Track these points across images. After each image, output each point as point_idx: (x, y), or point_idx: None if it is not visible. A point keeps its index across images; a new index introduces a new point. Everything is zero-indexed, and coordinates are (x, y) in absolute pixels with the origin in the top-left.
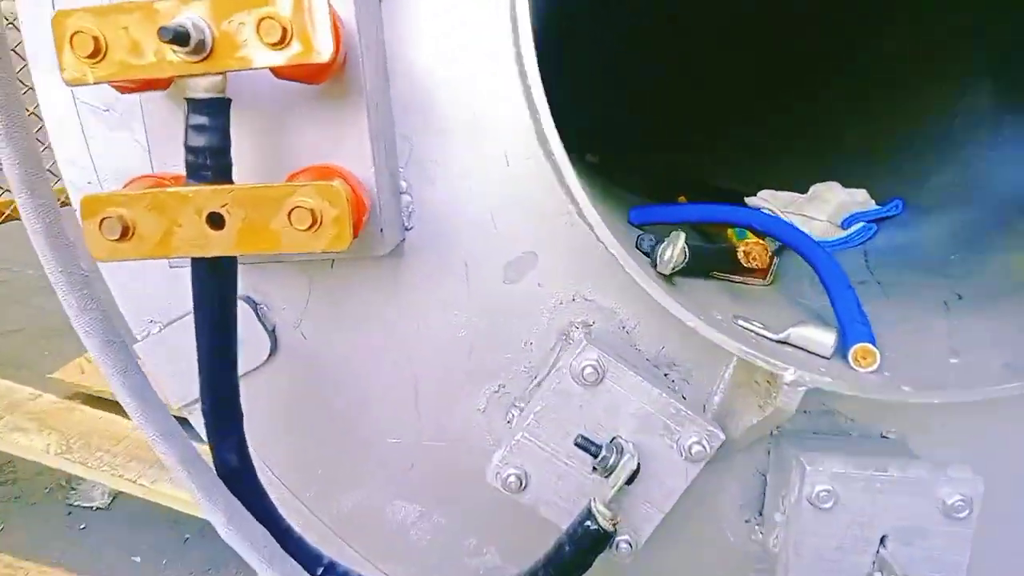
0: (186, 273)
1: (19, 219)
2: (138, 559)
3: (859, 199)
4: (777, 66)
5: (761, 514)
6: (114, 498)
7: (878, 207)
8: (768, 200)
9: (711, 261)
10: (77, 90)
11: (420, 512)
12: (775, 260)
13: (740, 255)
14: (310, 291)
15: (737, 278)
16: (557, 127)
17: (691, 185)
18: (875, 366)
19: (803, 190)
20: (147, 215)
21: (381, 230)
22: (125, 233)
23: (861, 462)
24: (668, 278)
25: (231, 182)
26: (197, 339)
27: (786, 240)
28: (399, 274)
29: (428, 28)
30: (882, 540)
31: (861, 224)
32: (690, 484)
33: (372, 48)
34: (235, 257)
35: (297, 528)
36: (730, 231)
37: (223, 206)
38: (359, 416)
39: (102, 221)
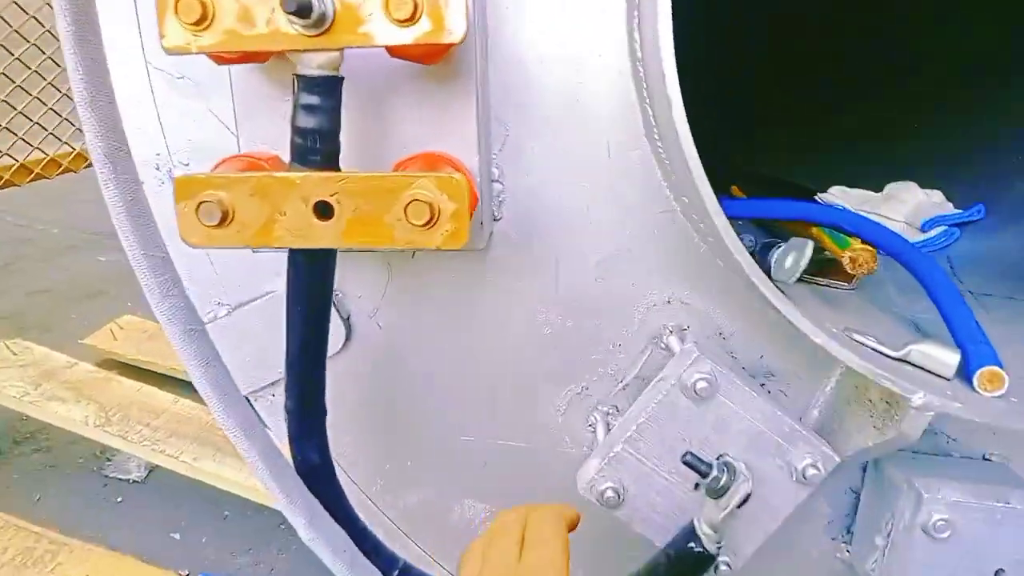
0: (260, 254)
1: (18, 184)
2: (177, 536)
3: (936, 200)
4: (851, 56)
5: (850, 531)
6: (151, 471)
7: (959, 211)
8: (839, 197)
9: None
10: (152, 54)
11: (490, 512)
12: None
13: (846, 262)
14: (389, 280)
15: (822, 280)
16: None
17: (746, 177)
18: (1003, 390)
19: (873, 189)
20: (249, 201)
21: (481, 223)
22: (224, 219)
23: (979, 491)
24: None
25: (338, 168)
26: (288, 333)
27: (885, 246)
28: (485, 266)
29: (532, 2)
30: (997, 574)
31: (943, 228)
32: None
33: (479, 27)
34: (335, 249)
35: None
36: (815, 229)
37: (333, 195)
38: (432, 411)
39: (199, 205)
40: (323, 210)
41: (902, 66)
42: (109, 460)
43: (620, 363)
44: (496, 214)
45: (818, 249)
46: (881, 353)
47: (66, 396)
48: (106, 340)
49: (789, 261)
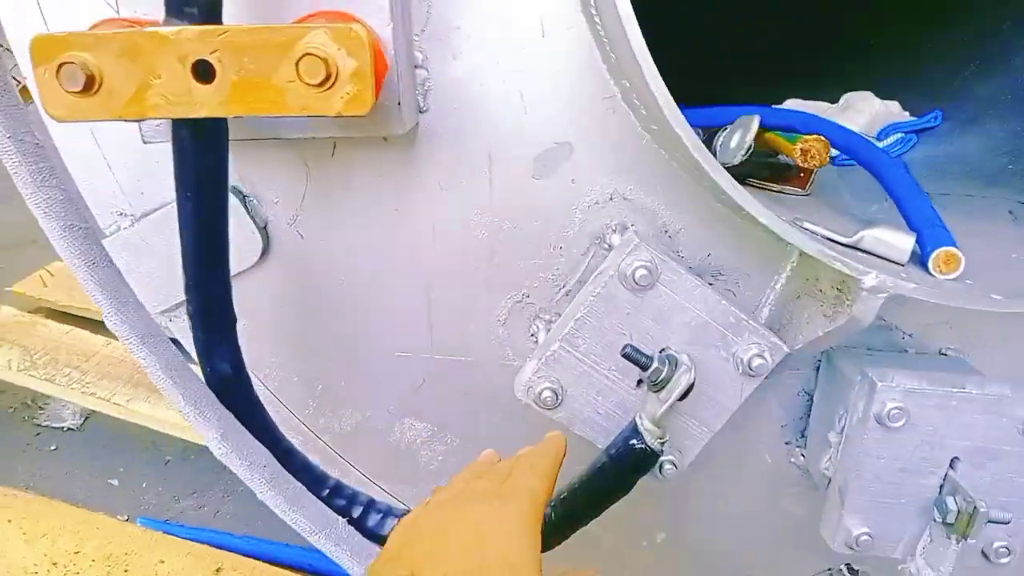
0: (162, 154)
1: None
2: (115, 482)
3: (894, 111)
4: None
5: (803, 435)
6: (86, 419)
7: (914, 119)
8: (796, 110)
9: (750, 161)
10: None
11: (431, 431)
12: (816, 169)
13: (798, 154)
14: (308, 182)
15: (775, 186)
16: None
17: (723, 99)
18: (958, 272)
19: (830, 102)
20: (117, 63)
21: (399, 104)
22: (90, 85)
23: (935, 378)
24: None
25: (220, 23)
26: (181, 228)
27: (837, 141)
28: (411, 164)
29: None
30: (951, 463)
31: (899, 135)
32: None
33: None
34: (226, 122)
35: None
36: (769, 135)
37: (213, 52)
38: (363, 326)
39: (60, 67)
40: (203, 71)
41: None
42: (41, 409)
43: (561, 267)
44: (422, 105)
45: (772, 155)
46: (832, 241)
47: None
48: (36, 287)
49: (735, 140)
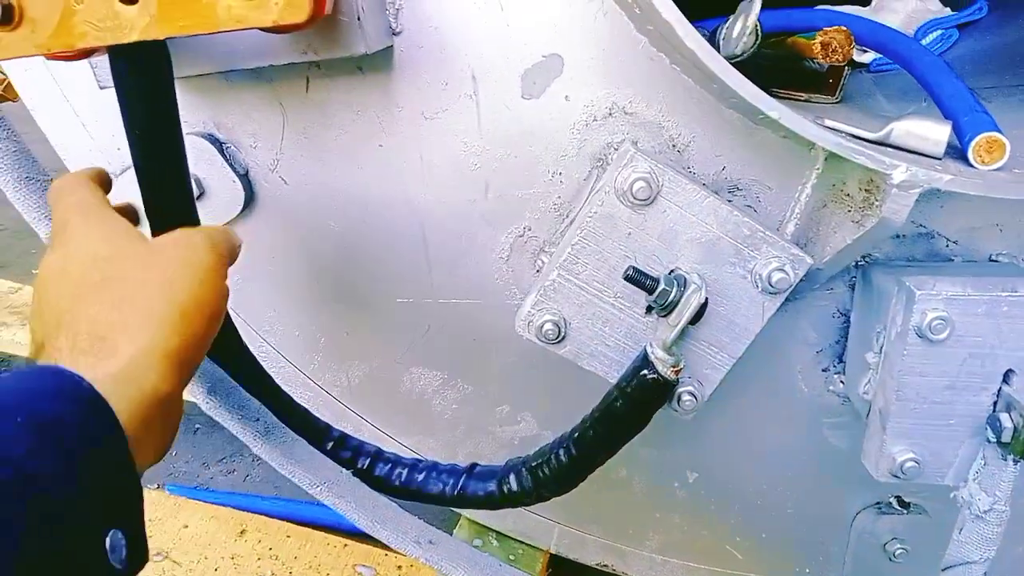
0: None
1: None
2: None
3: (932, 8)
4: None
5: (842, 360)
6: None
7: (955, 13)
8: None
9: (772, 71)
10: None
11: (442, 379)
12: (846, 72)
13: (817, 48)
14: (284, 123)
15: (802, 95)
16: None
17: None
18: (1004, 160)
19: (863, 3)
20: None
21: (359, 18)
22: (9, 16)
23: (980, 283)
24: None
25: None
26: (138, 175)
27: (862, 35)
28: (390, 93)
29: None
30: (1006, 376)
31: (939, 32)
32: (767, 322)
33: None
34: (165, 50)
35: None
36: (792, 39)
37: None
38: (360, 273)
39: None
40: None
41: None
42: None
43: (563, 194)
44: (394, 26)
45: (797, 60)
46: (859, 137)
47: (11, 321)
48: None
49: (736, 28)
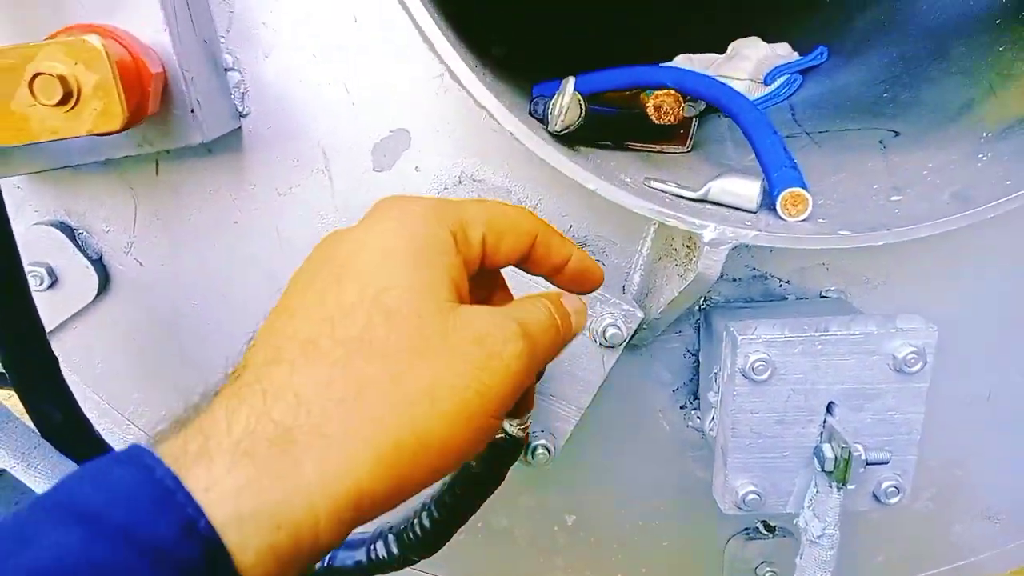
0: None
1: None
2: None
3: (782, 53)
4: None
5: (697, 397)
6: None
7: (800, 58)
8: (684, 64)
9: (622, 127)
10: None
11: None
12: (694, 123)
13: (651, 111)
14: (136, 206)
15: (655, 147)
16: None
17: (614, 64)
18: (807, 212)
19: (723, 51)
20: None
21: (192, 111)
22: None
23: (798, 324)
24: (570, 145)
25: None
26: None
27: (698, 91)
28: (242, 171)
29: None
30: (829, 408)
31: (784, 77)
32: (609, 374)
33: None
34: None
35: None
36: (641, 95)
37: None
38: (224, 348)
39: None
40: None
41: None
42: None
43: None
44: (241, 109)
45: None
46: (680, 196)
47: None
48: None
49: (558, 106)
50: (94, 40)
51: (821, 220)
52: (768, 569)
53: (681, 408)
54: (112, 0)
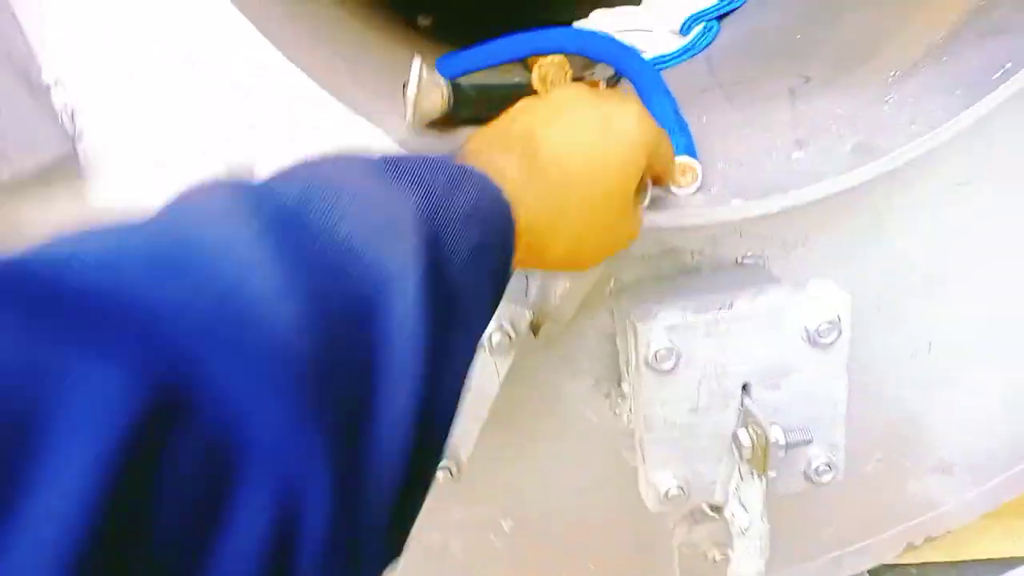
0: None
1: None
2: None
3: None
4: None
5: (620, 384)
6: None
7: (718, 2)
8: (601, 20)
9: (508, 102)
10: None
11: None
12: (602, 86)
13: (535, 82)
14: None
15: None
16: None
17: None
18: (696, 183)
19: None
20: None
21: None
22: None
23: (701, 304)
24: (453, 127)
25: None
26: None
27: (594, 52)
28: (84, 193)
29: None
30: (745, 388)
31: (701, 26)
32: (504, 380)
33: None
34: None
35: None
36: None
37: None
38: None
39: None
40: None
41: None
42: None
43: None
44: (71, 129)
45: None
46: None
47: None
48: None
49: (406, 95)
50: None
51: (714, 188)
52: (719, 551)
53: (606, 397)
54: None
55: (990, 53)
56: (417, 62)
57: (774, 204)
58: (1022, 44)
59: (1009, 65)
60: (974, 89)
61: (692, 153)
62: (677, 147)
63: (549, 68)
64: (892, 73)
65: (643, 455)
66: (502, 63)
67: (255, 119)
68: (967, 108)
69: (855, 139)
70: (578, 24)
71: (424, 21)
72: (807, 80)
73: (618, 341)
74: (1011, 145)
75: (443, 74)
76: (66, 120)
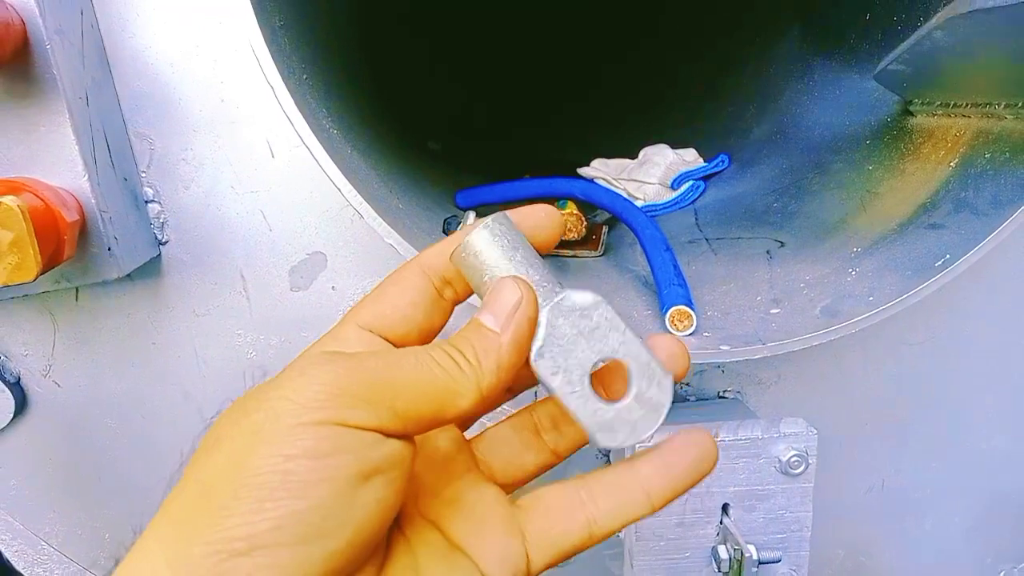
0: None
1: None
2: None
3: (688, 159)
4: (594, 34)
5: None
6: None
7: (704, 164)
8: (600, 169)
9: None
10: None
11: None
12: (604, 230)
13: None
14: (56, 331)
15: (568, 252)
16: (389, 111)
17: (537, 164)
18: (692, 328)
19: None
20: None
21: (109, 249)
22: None
23: None
24: None
25: None
26: None
27: (604, 205)
28: (160, 296)
29: (153, 10)
30: (724, 508)
31: (689, 183)
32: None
33: (69, 33)
34: None
35: None
36: (555, 204)
37: None
38: (142, 468)
39: None
40: None
41: (638, 30)
42: None
43: None
44: (160, 237)
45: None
46: None
47: None
48: None
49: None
50: (10, 200)
51: (707, 333)
52: None
53: None
54: (31, 150)
55: (932, 244)
56: (472, 214)
57: (755, 353)
58: (957, 240)
59: (948, 256)
60: (921, 273)
61: (690, 303)
62: (677, 297)
63: (569, 218)
64: (854, 249)
65: (631, 562)
66: (512, 200)
67: (328, 246)
68: (916, 288)
69: (823, 302)
70: (580, 171)
71: (434, 145)
72: (782, 245)
73: (612, 458)
74: (957, 314)
75: (461, 204)
76: (156, 228)
